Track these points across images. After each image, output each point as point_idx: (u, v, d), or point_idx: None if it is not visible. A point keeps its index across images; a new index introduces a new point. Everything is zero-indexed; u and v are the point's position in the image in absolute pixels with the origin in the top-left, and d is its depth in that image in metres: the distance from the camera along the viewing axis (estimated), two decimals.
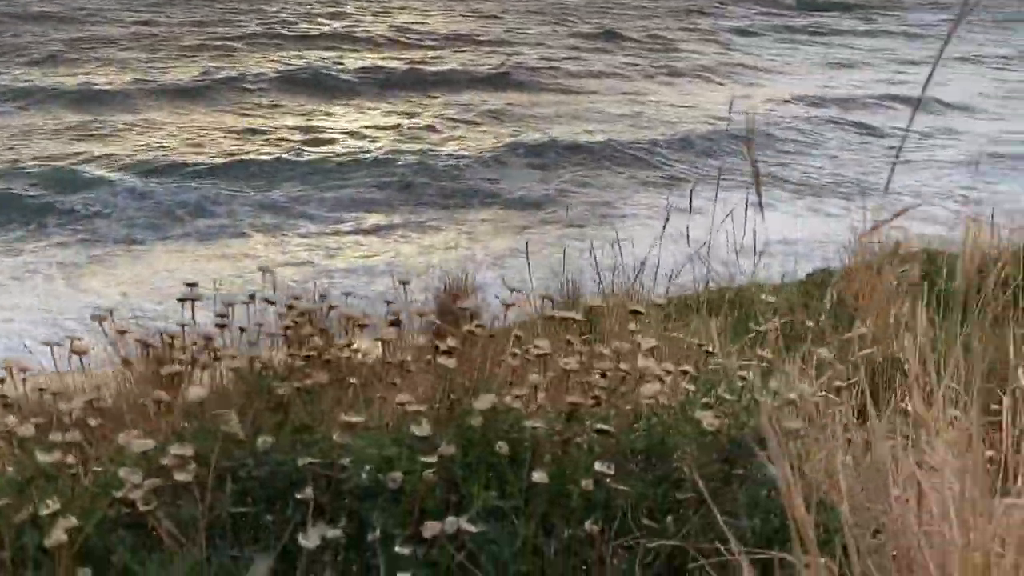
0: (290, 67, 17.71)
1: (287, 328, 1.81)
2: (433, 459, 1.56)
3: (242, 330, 1.91)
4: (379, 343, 2.03)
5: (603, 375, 1.78)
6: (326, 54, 19.22)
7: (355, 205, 11.32)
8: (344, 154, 12.90)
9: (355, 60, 18.80)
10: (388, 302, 2.31)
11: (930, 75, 1.38)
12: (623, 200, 12.01)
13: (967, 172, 12.42)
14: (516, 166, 13.12)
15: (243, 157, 12.67)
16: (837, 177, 13.19)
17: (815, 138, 15.24)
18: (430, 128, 14.51)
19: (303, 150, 13.07)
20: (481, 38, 21.65)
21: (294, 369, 1.73)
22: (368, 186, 11.93)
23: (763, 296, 6.11)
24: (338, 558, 1.63)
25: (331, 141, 13.56)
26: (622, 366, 1.77)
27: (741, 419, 1.72)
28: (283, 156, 12.72)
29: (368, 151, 13.15)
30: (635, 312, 1.99)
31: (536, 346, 1.77)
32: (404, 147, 13.43)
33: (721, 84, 18.66)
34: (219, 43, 19.67)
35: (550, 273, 6.24)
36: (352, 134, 14.05)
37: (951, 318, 3.36)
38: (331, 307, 1.93)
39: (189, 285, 1.84)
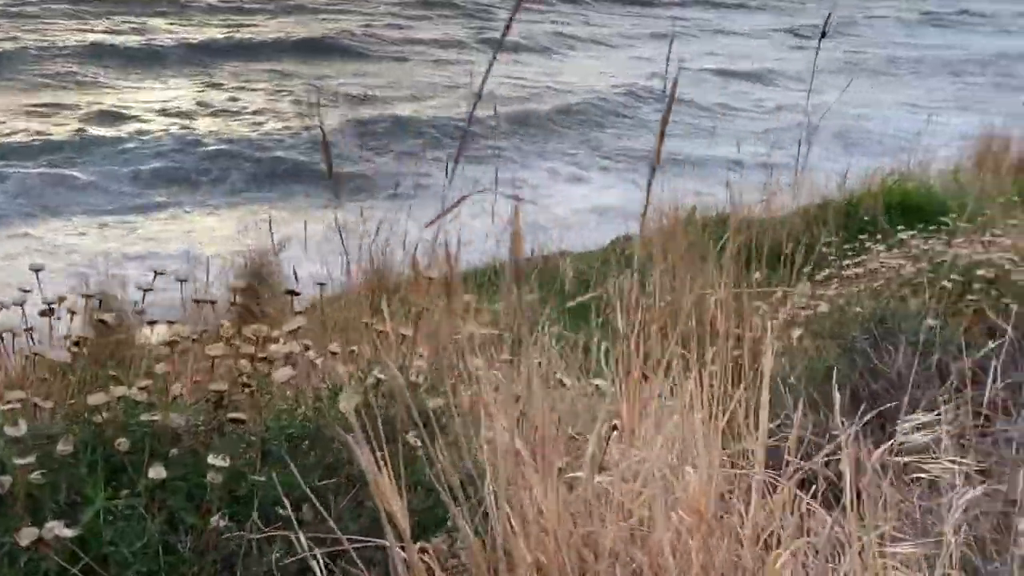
0: (92, 36, 16.70)
1: None
2: (29, 460, 1.44)
3: None
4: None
5: (251, 360, 1.70)
6: (134, 20, 18.23)
7: (159, 184, 10.81)
8: (147, 131, 12.29)
9: (164, 27, 17.91)
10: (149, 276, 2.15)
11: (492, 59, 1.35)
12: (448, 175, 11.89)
13: (771, 140, 12.96)
14: (339, 141, 12.82)
15: (36, 134, 11.88)
16: (651, 148, 13.52)
17: (633, 110, 15.58)
18: (240, 101, 14.01)
19: (102, 126, 12.36)
20: (296, 3, 20.97)
21: None
22: (175, 164, 11.41)
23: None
24: None
25: (133, 117, 12.88)
26: (272, 348, 1.70)
27: (398, 399, 1.67)
28: (79, 133, 12.01)
29: (176, 126, 12.57)
30: (291, 292, 1.91)
31: (176, 333, 1.67)
32: (215, 122, 12.93)
33: (549, 55, 18.81)
34: (15, 9, 18.34)
35: (367, 251, 6.14)
36: (157, 108, 13.39)
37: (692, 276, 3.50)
38: None
39: None
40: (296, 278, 5.00)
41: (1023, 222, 3.35)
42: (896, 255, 3.13)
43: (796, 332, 2.79)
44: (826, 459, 2.16)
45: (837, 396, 1.55)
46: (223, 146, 11.82)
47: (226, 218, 10.00)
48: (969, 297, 2.88)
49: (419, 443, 1.64)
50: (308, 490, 1.45)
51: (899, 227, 5.10)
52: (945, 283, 2.86)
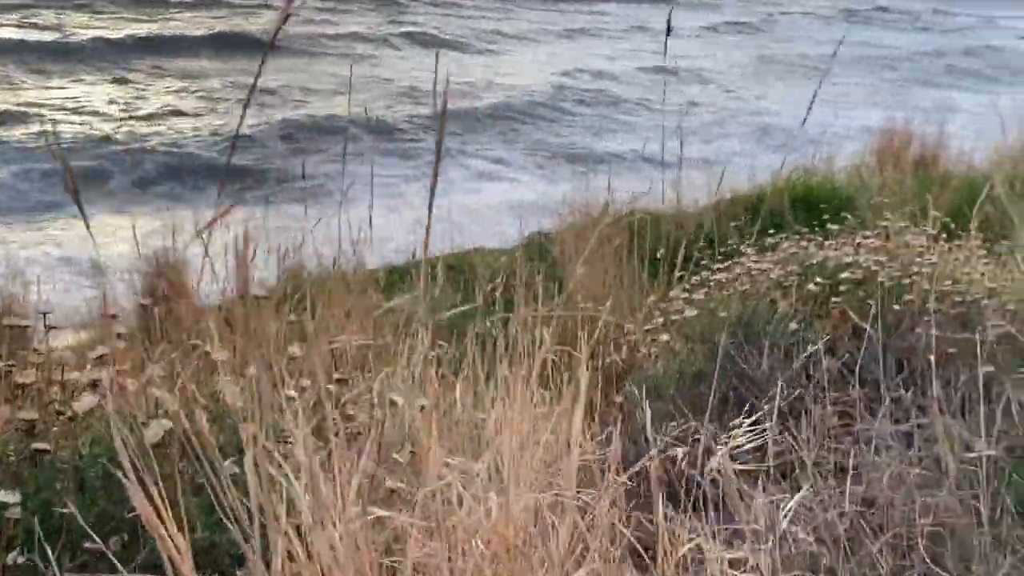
0: (3, 32, 16.19)
1: None
2: None
3: None
4: None
5: (61, 387, 1.65)
6: (48, 15, 17.72)
7: (63, 188, 10.50)
8: (58, 129, 11.94)
9: (79, 23, 17.43)
10: None
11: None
12: (372, 174, 11.75)
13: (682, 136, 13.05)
14: (260, 141, 12.61)
15: None
16: (574, 144, 13.60)
17: (556, 106, 15.61)
18: (155, 98, 13.71)
19: (11, 124, 12.00)
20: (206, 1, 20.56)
21: None
22: (86, 163, 11.10)
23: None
24: None
25: (43, 115, 12.51)
26: (73, 375, 1.64)
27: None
28: None
29: (88, 125, 12.25)
30: (112, 316, 1.85)
31: None
32: (129, 120, 12.62)
33: (471, 52, 18.76)
34: None
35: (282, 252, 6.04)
36: (70, 106, 13.03)
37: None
38: None
39: None
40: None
41: (894, 222, 3.43)
42: (767, 258, 3.18)
43: (664, 336, 2.82)
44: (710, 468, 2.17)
45: (648, 411, 1.55)
46: (136, 144, 11.55)
47: (136, 218, 9.76)
48: (834, 299, 2.93)
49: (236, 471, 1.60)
50: (86, 527, 1.40)
51: (803, 222, 5.18)
52: (811, 286, 2.91)
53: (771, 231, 5.13)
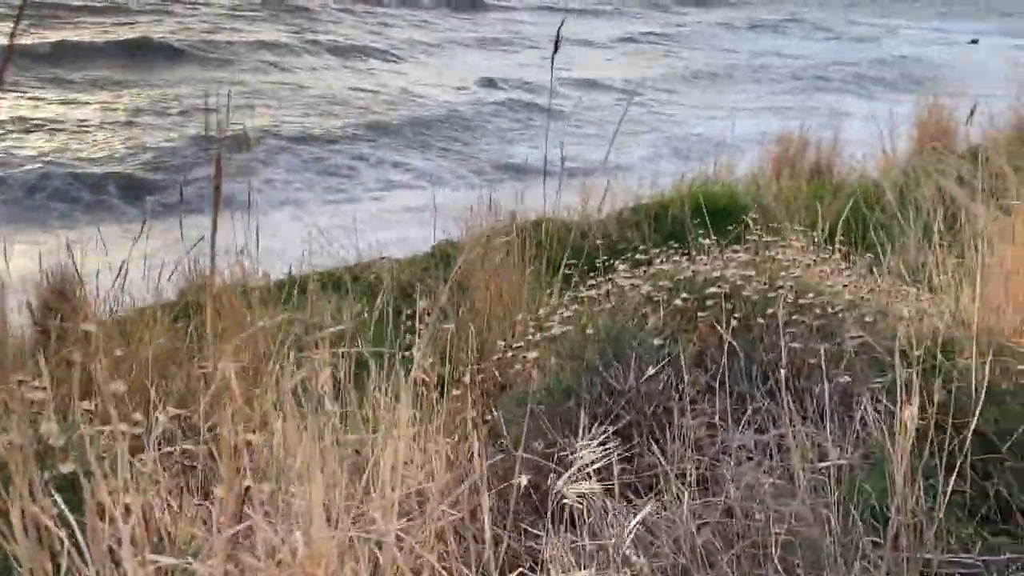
0: None
1: None
2: None
3: None
4: None
5: None
6: None
7: None
8: None
9: None
10: None
11: None
12: (284, 189, 11.65)
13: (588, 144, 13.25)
14: (171, 152, 12.33)
15: None
16: (488, 151, 13.64)
17: (473, 116, 15.62)
18: (57, 111, 13.34)
19: None
20: (112, 3, 20.03)
21: None
22: None
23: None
24: None
25: None
26: None
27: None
28: None
29: None
30: None
31: None
32: (31, 135, 12.25)
33: (384, 59, 18.68)
34: None
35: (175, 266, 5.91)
36: None
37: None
38: None
39: None
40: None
41: (761, 237, 3.52)
42: (640, 274, 3.23)
43: (533, 353, 2.85)
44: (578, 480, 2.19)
45: (478, 443, 1.56)
46: (39, 160, 11.22)
47: (38, 236, 9.48)
48: (701, 314, 3.00)
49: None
50: None
51: (701, 231, 5.26)
52: (678, 301, 2.97)
53: (672, 240, 5.20)
